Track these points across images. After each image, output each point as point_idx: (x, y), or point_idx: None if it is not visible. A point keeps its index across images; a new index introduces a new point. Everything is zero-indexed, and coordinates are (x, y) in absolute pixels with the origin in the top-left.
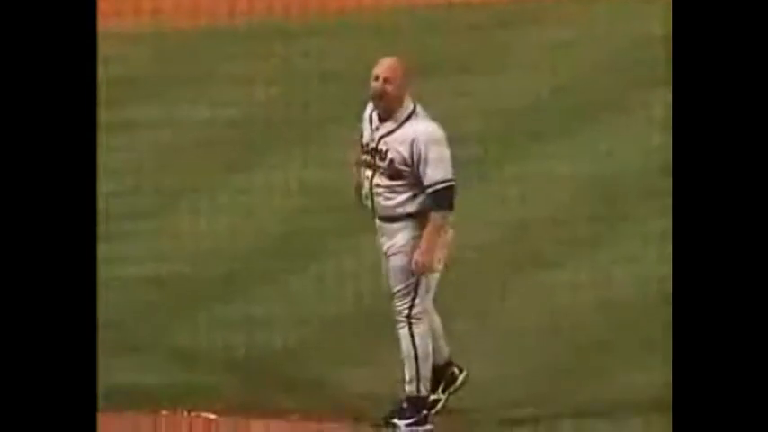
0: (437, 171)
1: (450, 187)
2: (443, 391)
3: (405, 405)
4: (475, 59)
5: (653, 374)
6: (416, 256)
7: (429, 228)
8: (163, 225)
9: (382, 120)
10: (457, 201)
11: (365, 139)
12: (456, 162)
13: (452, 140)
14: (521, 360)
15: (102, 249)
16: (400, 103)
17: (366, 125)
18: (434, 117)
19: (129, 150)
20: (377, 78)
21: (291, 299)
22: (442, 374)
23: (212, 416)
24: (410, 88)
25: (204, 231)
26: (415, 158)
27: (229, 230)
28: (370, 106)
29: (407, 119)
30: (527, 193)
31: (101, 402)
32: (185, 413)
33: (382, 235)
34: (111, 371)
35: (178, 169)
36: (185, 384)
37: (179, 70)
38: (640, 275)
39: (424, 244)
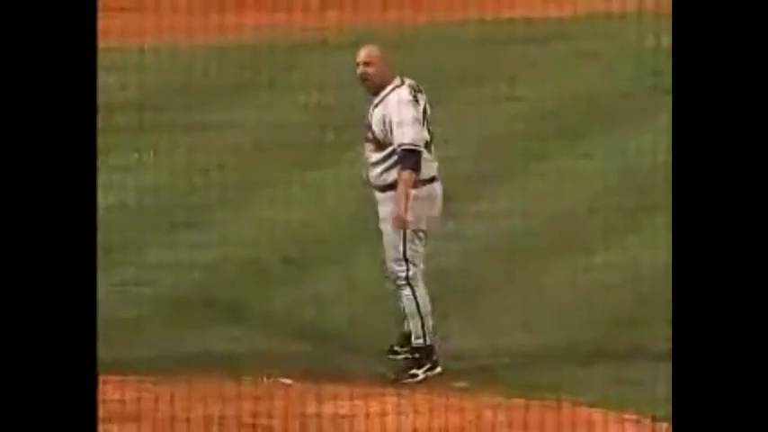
0: (403, 132)
1: (414, 150)
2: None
3: (417, 355)
4: (512, 70)
5: None
6: (391, 213)
7: (399, 185)
8: (244, 214)
9: (373, 99)
10: (503, 192)
11: (365, 120)
12: (501, 157)
13: (499, 138)
14: (561, 331)
15: (190, 236)
16: (384, 81)
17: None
18: (481, 120)
19: (210, 149)
20: (358, 64)
21: (355, 278)
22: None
23: (288, 381)
24: (392, 68)
25: (280, 219)
26: (386, 125)
27: (302, 219)
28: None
29: (389, 93)
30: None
31: (193, 366)
32: (265, 379)
33: (378, 205)
34: (204, 339)
35: (257, 166)
36: (265, 353)
37: (249, 79)
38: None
39: (394, 200)
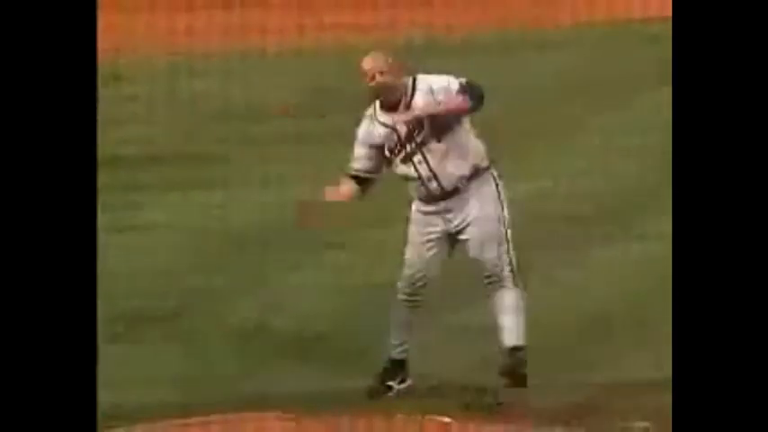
0: (451, 81)
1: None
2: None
3: (508, 359)
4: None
5: None
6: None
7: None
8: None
9: (392, 108)
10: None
11: (390, 144)
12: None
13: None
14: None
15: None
16: (402, 83)
17: (378, 133)
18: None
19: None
20: (373, 77)
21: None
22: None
23: (447, 419)
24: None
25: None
26: (436, 98)
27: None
28: (369, 123)
29: (414, 88)
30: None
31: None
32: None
33: (448, 212)
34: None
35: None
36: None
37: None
38: None
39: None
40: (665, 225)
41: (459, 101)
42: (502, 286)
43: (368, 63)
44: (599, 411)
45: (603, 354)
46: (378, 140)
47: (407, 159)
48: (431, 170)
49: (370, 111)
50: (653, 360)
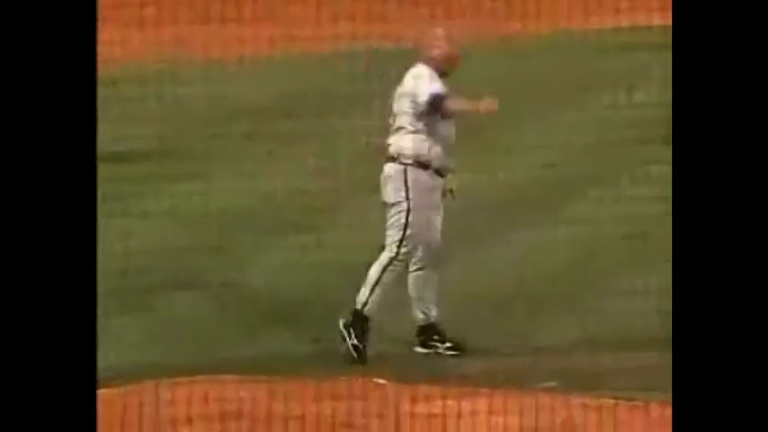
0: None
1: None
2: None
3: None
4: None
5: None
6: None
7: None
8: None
9: (442, 76)
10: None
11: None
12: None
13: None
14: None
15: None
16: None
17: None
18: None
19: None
20: (444, 47)
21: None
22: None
23: (382, 381)
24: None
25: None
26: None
27: None
28: (432, 79)
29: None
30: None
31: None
32: (360, 379)
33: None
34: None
35: None
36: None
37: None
38: None
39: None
40: (590, 210)
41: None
42: (431, 267)
43: (440, 32)
44: (519, 375)
45: (526, 324)
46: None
47: (451, 117)
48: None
49: (420, 70)
50: (572, 327)
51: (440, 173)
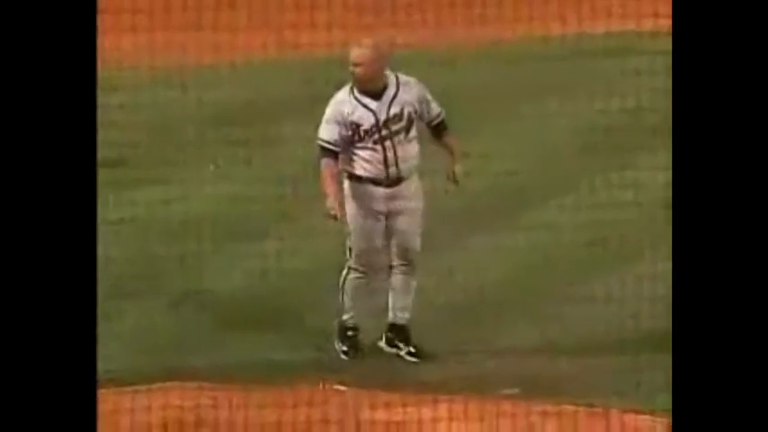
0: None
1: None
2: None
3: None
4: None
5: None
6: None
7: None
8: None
9: (374, 95)
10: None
11: (366, 124)
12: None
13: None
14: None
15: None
16: (384, 75)
17: (357, 113)
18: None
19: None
20: (358, 65)
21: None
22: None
23: (343, 388)
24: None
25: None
26: (425, 102)
27: None
28: (349, 101)
29: (398, 84)
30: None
31: (248, 373)
32: (321, 385)
33: (393, 199)
34: (258, 347)
35: None
36: (319, 360)
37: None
38: None
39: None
40: (550, 216)
41: (437, 113)
42: (407, 273)
43: (355, 52)
44: (480, 382)
45: (487, 330)
46: (353, 118)
47: (379, 142)
48: (395, 156)
49: (343, 94)
50: (533, 334)
51: (376, 182)
